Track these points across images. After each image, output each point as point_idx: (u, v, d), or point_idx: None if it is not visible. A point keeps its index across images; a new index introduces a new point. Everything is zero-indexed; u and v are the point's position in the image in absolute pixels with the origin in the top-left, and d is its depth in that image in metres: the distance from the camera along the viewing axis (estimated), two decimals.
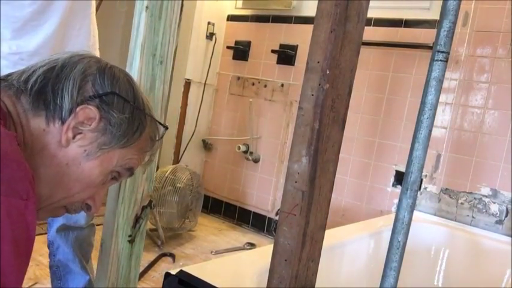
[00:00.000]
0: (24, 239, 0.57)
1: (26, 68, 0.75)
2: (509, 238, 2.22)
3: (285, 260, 0.71)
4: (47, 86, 0.72)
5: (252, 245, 2.84)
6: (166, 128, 0.88)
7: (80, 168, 0.73)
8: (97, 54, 1.50)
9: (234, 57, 3.35)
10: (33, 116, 0.71)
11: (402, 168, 2.56)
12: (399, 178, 2.61)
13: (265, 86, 3.17)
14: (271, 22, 3.19)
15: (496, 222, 2.31)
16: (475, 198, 2.37)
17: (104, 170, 0.75)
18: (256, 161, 3.20)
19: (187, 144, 3.33)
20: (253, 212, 3.23)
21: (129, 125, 0.76)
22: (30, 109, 0.71)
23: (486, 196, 2.35)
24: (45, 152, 0.71)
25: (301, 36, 3.03)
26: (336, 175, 0.75)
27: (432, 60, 0.87)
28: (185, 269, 1.21)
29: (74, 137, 0.72)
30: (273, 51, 3.13)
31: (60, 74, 0.73)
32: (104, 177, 0.76)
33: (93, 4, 1.48)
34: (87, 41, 1.43)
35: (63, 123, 0.71)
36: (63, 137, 0.71)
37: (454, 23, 0.86)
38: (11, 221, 0.55)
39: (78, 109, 0.72)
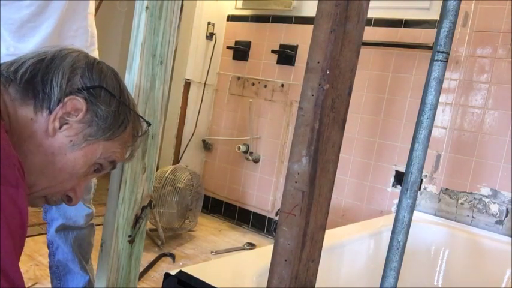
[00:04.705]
0: (18, 225, 0.58)
1: (15, 60, 0.76)
2: (509, 238, 2.22)
3: (285, 260, 0.71)
4: (37, 76, 0.74)
5: (252, 245, 2.84)
6: (149, 124, 0.91)
7: (65, 158, 0.75)
8: (96, 54, 1.50)
9: (234, 57, 3.35)
10: (21, 105, 0.73)
11: (402, 168, 2.56)
12: (399, 178, 2.61)
13: (265, 86, 3.17)
14: (271, 22, 3.19)
15: (496, 222, 2.31)
16: (475, 199, 2.37)
17: (88, 161, 0.77)
18: (256, 161, 3.20)
19: (187, 144, 3.33)
20: (253, 212, 3.23)
21: (115, 119, 0.78)
22: (18, 98, 0.73)
23: (486, 196, 2.35)
24: (31, 141, 0.73)
25: (301, 36, 3.03)
26: (336, 175, 0.75)
27: (432, 60, 0.87)
28: (185, 269, 1.21)
29: (60, 127, 0.74)
30: (273, 51, 3.13)
31: (49, 65, 0.75)
32: (88, 169, 0.78)
33: (92, 5, 1.47)
34: (84, 41, 1.43)
35: (50, 112, 0.73)
36: (50, 126, 0.73)
37: (454, 23, 0.86)
38: (3, 208, 0.56)
39: (66, 99, 0.73)
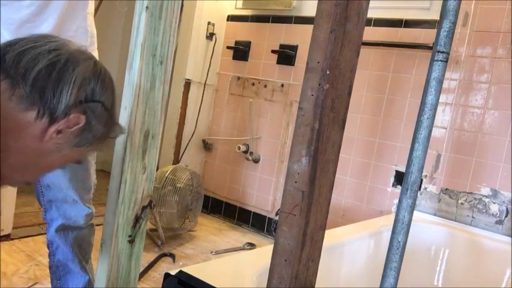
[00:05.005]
0: None
1: (22, 50, 0.75)
2: (509, 238, 2.22)
3: (285, 260, 0.71)
4: (47, 85, 0.74)
5: (252, 245, 2.84)
6: (123, 132, 0.96)
7: (47, 160, 0.79)
8: (96, 55, 1.50)
9: (234, 57, 3.35)
10: (22, 109, 0.73)
11: (402, 168, 2.56)
12: (399, 178, 2.61)
13: (265, 86, 3.17)
14: (271, 22, 3.19)
15: (496, 222, 2.31)
16: (475, 199, 2.37)
17: (64, 163, 0.83)
18: (256, 161, 3.20)
19: (187, 144, 3.33)
20: (253, 212, 3.23)
21: (103, 133, 0.83)
22: (21, 102, 0.73)
23: (486, 196, 2.35)
24: (21, 142, 0.75)
25: (301, 36, 3.03)
26: (336, 175, 0.75)
27: (432, 60, 0.87)
28: (185, 269, 1.21)
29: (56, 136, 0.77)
30: (273, 51, 3.13)
31: (61, 72, 0.75)
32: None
33: (91, 5, 1.47)
34: (84, 41, 1.43)
35: (51, 121, 0.75)
36: (48, 134, 0.75)
37: (454, 23, 0.86)
38: None
39: (72, 115, 0.76)
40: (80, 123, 0.77)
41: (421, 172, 0.89)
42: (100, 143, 0.85)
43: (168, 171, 2.72)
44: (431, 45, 2.29)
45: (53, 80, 0.74)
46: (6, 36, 1.34)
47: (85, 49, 0.84)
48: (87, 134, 0.79)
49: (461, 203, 2.41)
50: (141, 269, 2.26)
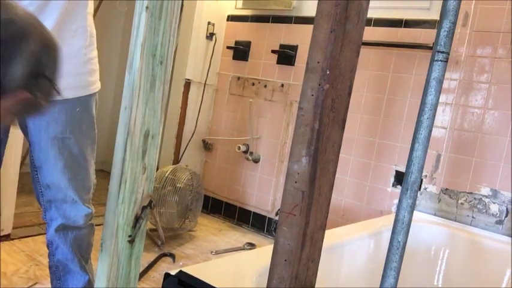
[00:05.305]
0: None
1: None
2: (509, 238, 2.22)
3: (285, 260, 0.71)
4: None
5: (252, 245, 2.84)
6: (59, 93, 0.95)
7: None
8: (95, 54, 1.49)
9: (234, 57, 3.35)
10: None
11: (402, 168, 2.56)
12: (399, 178, 2.61)
13: (265, 86, 3.17)
14: (271, 22, 3.19)
15: (496, 222, 2.31)
16: (475, 199, 2.37)
17: None
18: (256, 161, 3.20)
19: (187, 144, 3.33)
20: (253, 212, 3.23)
21: (44, 106, 0.82)
22: None
23: (486, 196, 2.35)
24: None
25: (301, 36, 3.03)
26: (336, 175, 0.75)
27: (432, 60, 0.87)
28: (185, 269, 1.21)
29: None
30: (273, 51, 3.13)
31: (11, 49, 0.73)
32: None
33: (91, 5, 1.47)
34: (83, 41, 1.43)
35: None
36: None
37: (454, 23, 0.86)
38: None
39: (19, 92, 0.75)
40: (26, 99, 0.77)
41: (421, 172, 0.89)
42: (38, 111, 0.84)
43: (168, 171, 2.72)
44: (431, 45, 2.29)
45: (3, 57, 0.72)
46: None
47: (34, 17, 0.81)
48: (30, 107, 0.80)
49: (461, 203, 2.41)
50: (141, 269, 2.27)
